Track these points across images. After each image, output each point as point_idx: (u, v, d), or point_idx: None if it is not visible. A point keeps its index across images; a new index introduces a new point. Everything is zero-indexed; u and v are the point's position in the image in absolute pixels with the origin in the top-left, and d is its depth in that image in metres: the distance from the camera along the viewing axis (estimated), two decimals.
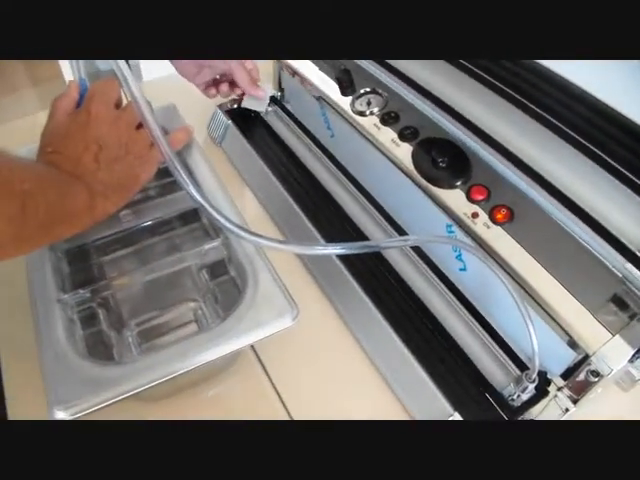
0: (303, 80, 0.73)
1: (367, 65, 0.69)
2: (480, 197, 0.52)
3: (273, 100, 0.80)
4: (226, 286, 0.58)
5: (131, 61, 0.47)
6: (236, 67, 0.71)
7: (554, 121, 0.52)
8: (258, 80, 0.74)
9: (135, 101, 0.43)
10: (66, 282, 0.52)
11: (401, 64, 0.66)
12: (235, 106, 0.77)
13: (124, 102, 0.56)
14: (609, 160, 0.48)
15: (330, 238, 0.61)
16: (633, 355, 0.42)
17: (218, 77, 0.75)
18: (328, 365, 0.55)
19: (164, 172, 0.56)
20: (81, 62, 0.53)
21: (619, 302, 0.44)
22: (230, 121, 0.76)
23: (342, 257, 0.59)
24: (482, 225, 0.51)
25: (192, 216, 0.63)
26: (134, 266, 0.61)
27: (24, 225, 0.42)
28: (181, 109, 0.67)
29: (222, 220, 0.41)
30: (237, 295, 0.50)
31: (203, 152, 0.62)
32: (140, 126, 0.54)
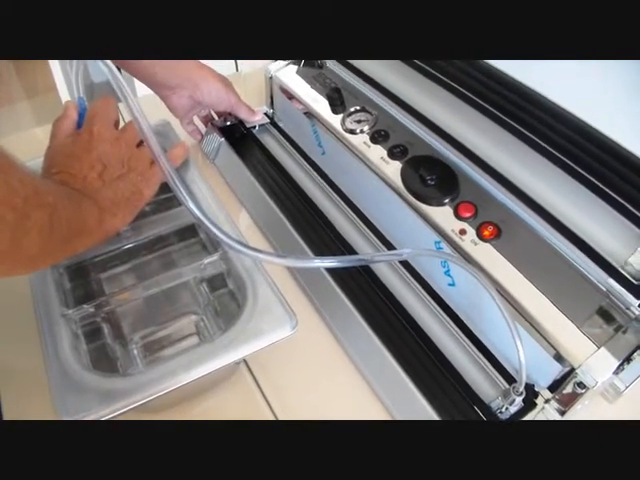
0: (294, 98, 0.74)
1: (357, 84, 0.70)
2: (468, 214, 0.54)
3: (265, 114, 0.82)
4: (225, 299, 0.59)
5: (126, 77, 0.48)
6: (237, 104, 0.73)
7: (539, 141, 0.53)
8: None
9: (135, 119, 0.44)
10: (68, 298, 0.53)
11: (391, 82, 0.68)
12: (228, 123, 0.78)
13: (121, 121, 0.57)
14: (592, 179, 0.49)
15: (320, 254, 0.62)
16: (618, 367, 0.43)
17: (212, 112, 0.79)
18: (319, 378, 0.55)
19: (161, 188, 0.57)
20: (80, 80, 0.54)
21: (604, 315, 0.45)
22: (223, 138, 0.77)
23: (334, 273, 0.59)
24: (469, 242, 0.52)
25: (190, 231, 0.63)
26: (136, 281, 0.62)
27: (50, 237, 0.42)
28: (174, 126, 0.68)
29: (222, 236, 0.42)
30: (236, 307, 0.50)
31: (198, 169, 0.63)
32: (140, 144, 0.56)
